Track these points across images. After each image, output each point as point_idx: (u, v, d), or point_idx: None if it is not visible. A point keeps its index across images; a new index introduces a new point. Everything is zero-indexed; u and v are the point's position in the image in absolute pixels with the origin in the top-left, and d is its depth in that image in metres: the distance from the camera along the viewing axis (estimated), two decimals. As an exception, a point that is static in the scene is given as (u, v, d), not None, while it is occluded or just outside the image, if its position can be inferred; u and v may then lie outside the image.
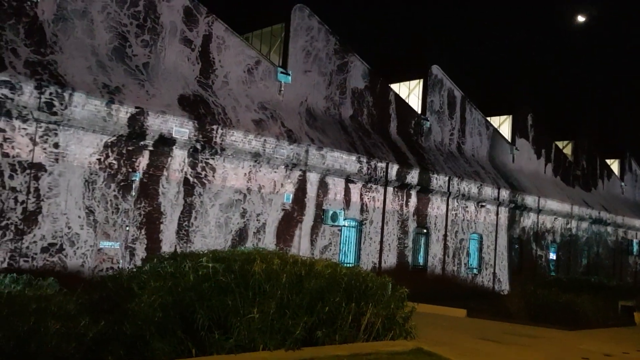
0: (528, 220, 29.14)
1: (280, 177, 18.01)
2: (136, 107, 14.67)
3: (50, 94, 13.21)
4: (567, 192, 33.69)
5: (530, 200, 28.99)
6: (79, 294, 8.77)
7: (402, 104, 23.91)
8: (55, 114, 13.23)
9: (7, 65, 12.76)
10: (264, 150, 17.45)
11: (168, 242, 15.31)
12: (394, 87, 25.16)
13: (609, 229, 36.42)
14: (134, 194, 14.60)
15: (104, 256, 14.04)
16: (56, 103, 13.27)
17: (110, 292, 9.01)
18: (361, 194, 20.58)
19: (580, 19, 33.76)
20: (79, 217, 13.66)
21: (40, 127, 13.08)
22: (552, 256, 31.25)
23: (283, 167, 18.01)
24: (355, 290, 9.54)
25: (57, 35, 14.04)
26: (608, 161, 40.30)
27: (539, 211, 29.66)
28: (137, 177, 14.58)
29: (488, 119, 29.17)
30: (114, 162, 14.29)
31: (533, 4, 70.38)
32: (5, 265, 12.31)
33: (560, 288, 18.68)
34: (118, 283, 9.30)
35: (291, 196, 18.29)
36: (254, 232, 17.22)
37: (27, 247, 12.80)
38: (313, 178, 18.92)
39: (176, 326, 8.21)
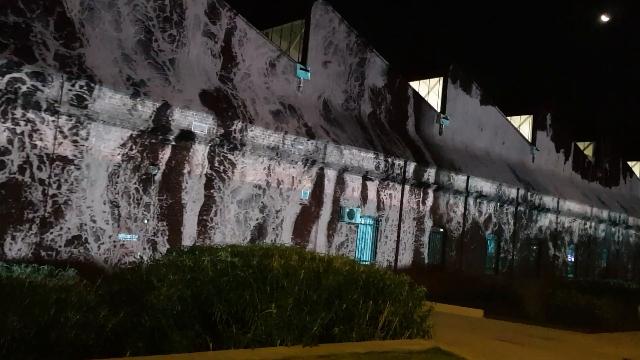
0: (546, 221, 28.81)
1: (298, 173, 18.00)
2: (160, 101, 14.75)
3: (80, 86, 13.35)
4: (586, 193, 33.22)
5: (548, 200, 28.65)
6: (99, 286, 8.85)
7: (420, 101, 23.76)
8: (83, 107, 13.38)
9: (37, 57, 12.92)
10: (283, 145, 17.45)
11: (188, 235, 15.40)
12: (414, 84, 25.00)
13: (629, 231, 35.87)
14: (154, 187, 14.71)
15: (125, 249, 14.17)
16: (84, 96, 13.40)
17: (129, 284, 9.07)
18: (378, 192, 20.50)
19: (604, 18, 33.17)
20: (102, 210, 13.80)
21: (69, 119, 13.24)
22: (570, 257, 30.88)
23: (301, 163, 18.00)
24: (373, 288, 9.50)
25: (85, 28, 14.17)
26: (630, 163, 39.69)
27: (557, 212, 29.31)
28: (156, 171, 14.67)
29: (508, 118, 28.86)
30: (137, 155, 14.40)
31: (556, 4, 69.45)
32: (28, 255, 12.48)
33: (579, 290, 18.45)
34: (137, 275, 9.37)
35: (308, 192, 18.28)
36: (272, 228, 17.25)
37: (52, 240, 12.96)
38: (330, 174, 18.89)
39: (194, 319, 8.24)
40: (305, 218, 18.20)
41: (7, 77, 12.23)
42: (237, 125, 16.39)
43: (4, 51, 12.36)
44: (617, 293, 19.51)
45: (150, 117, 14.55)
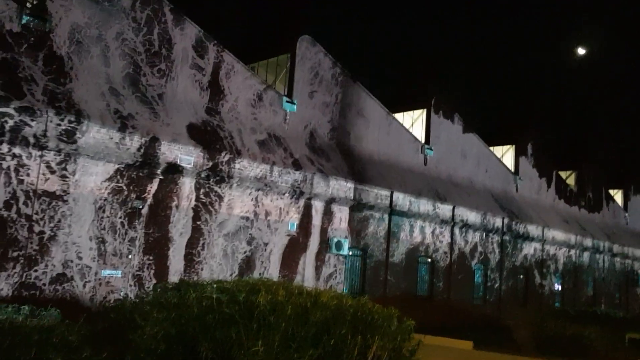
0: (532, 250, 28.94)
1: (286, 204, 17.96)
2: (147, 135, 14.72)
3: (70, 121, 13.30)
4: (570, 221, 33.51)
5: (533, 229, 28.83)
6: (82, 325, 8.66)
7: (404, 133, 24.00)
8: (71, 142, 13.30)
9: (26, 92, 12.88)
10: (270, 176, 17.44)
11: (175, 270, 15.19)
12: (398, 116, 25.30)
13: (614, 259, 36.12)
14: (140, 221, 14.55)
15: (109, 286, 13.92)
16: (72, 131, 13.34)
17: (113, 323, 8.89)
18: (366, 223, 20.49)
19: (581, 51, 34.07)
20: (88, 246, 13.59)
21: (57, 154, 13.13)
22: (557, 286, 30.95)
23: (288, 194, 17.98)
24: (361, 322, 9.38)
25: (73, 62, 14.20)
26: (612, 191, 40.22)
27: (543, 240, 29.47)
28: (142, 205, 14.54)
29: (491, 148, 29.24)
30: (124, 189, 14.28)
31: (536, 36, 71.23)
32: (9, 294, 12.20)
33: (567, 319, 18.46)
34: (121, 313, 9.18)
35: (296, 224, 18.22)
36: (260, 261, 17.10)
37: (36, 277, 12.69)
38: (318, 205, 18.87)
39: (179, 358, 8.07)
40: (293, 250, 18.09)
41: (-7, 112, 12.17)
42: (224, 157, 16.38)
43: (-11, 87, 12.32)
44: (604, 322, 19.56)
45: (137, 151, 14.49)
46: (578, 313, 21.20)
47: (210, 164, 16.04)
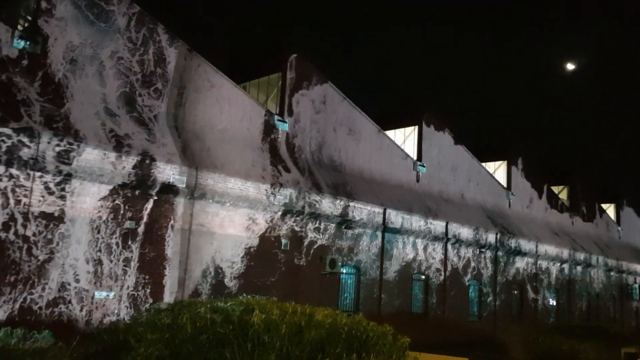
0: (525, 265, 28.98)
1: (278, 223, 17.95)
2: (141, 156, 14.74)
3: (69, 142, 13.35)
4: (563, 236, 33.65)
5: (526, 244, 28.92)
6: (74, 347, 8.58)
7: (395, 150, 24.15)
8: (67, 162, 13.31)
9: (23, 113, 12.92)
10: (261, 195, 17.46)
11: (169, 290, 15.11)
12: (390, 133, 25.47)
13: (608, 273, 36.21)
14: (133, 242, 14.50)
15: (103, 307, 13.81)
16: (69, 152, 13.35)
17: (106, 345, 8.82)
18: (359, 241, 20.50)
19: (570, 66, 34.54)
20: (83, 268, 13.51)
21: (56, 175, 13.13)
22: (552, 301, 30.95)
23: (280, 213, 17.99)
24: (356, 341, 9.35)
25: (69, 83, 14.26)
26: (604, 205, 40.46)
27: (536, 255, 29.55)
28: (135, 226, 14.49)
29: (484, 164, 29.43)
30: (119, 210, 14.25)
31: (526, 53, 72.18)
32: (3, 318, 12.09)
33: (562, 335, 18.41)
34: (115, 335, 9.12)
35: (289, 243, 18.20)
36: (253, 279, 17.03)
37: (31, 300, 12.59)
38: (310, 224, 18.87)
39: (173, 380, 8.01)
40: (286, 268, 18.04)
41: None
42: (216, 178, 16.40)
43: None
44: (600, 336, 19.51)
45: (132, 171, 14.50)
46: (573, 328, 21.15)
47: (200, 183, 16.05)
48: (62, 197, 13.31)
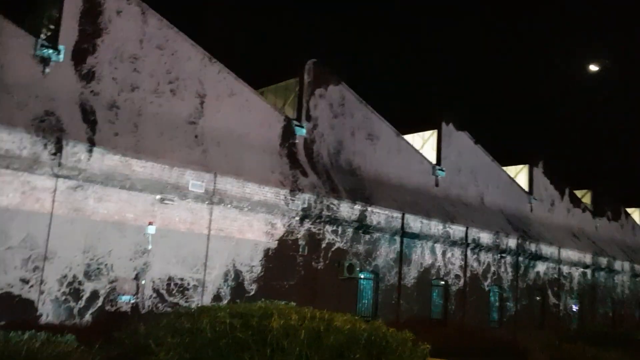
0: (547, 270, 28.57)
1: (297, 227, 17.96)
2: (156, 162, 14.92)
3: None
4: (587, 241, 33.10)
5: (549, 249, 28.51)
6: (97, 351, 8.68)
7: (414, 154, 24.02)
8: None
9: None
10: (279, 200, 17.50)
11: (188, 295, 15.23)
12: (408, 137, 25.34)
13: (634, 278, 35.51)
14: (150, 247, 14.64)
15: (120, 310, 13.96)
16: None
17: (127, 349, 8.90)
18: (377, 246, 20.41)
19: (593, 68, 34.04)
20: (100, 270, 13.69)
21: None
22: (575, 307, 30.45)
23: (298, 217, 18.00)
24: (375, 347, 9.31)
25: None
26: (629, 210, 39.73)
27: (559, 261, 29.11)
28: (151, 231, 14.60)
29: (505, 168, 29.12)
30: (134, 215, 14.43)
31: (547, 54, 71.38)
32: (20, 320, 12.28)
33: (585, 342, 18.08)
34: (135, 339, 9.20)
35: (307, 247, 18.20)
36: (272, 282, 17.07)
37: (44, 302, 12.80)
38: (328, 228, 18.85)
39: (193, 384, 8.04)
40: (305, 273, 18.03)
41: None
42: (234, 183, 16.49)
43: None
44: (625, 344, 19.10)
45: (148, 177, 14.69)
46: (596, 335, 20.76)
47: (218, 188, 16.17)
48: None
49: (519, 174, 31.47)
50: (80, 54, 14.64)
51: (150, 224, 14.59)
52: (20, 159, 12.64)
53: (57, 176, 13.21)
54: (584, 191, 36.96)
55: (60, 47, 14.21)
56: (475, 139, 26.81)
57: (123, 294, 13.97)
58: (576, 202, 33.72)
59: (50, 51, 14.03)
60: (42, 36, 14.72)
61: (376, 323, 10.30)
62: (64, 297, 13.13)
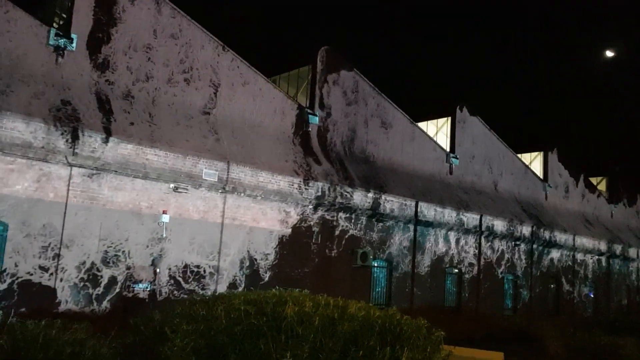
0: (562, 257, 28.37)
1: (310, 215, 17.98)
2: (169, 151, 14.97)
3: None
4: (602, 228, 32.79)
5: (563, 236, 28.29)
6: (113, 338, 8.77)
7: (428, 142, 23.86)
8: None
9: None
10: (293, 189, 17.51)
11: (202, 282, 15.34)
12: (422, 125, 25.19)
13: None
14: (164, 235, 14.74)
15: (138, 297, 14.10)
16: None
17: (143, 336, 8.97)
18: (391, 234, 20.38)
19: (609, 53, 33.50)
20: (112, 258, 13.83)
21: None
22: (590, 294, 30.24)
23: (312, 206, 18.01)
24: (390, 334, 9.28)
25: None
26: (644, 196, 39.24)
27: (574, 248, 28.89)
28: (166, 220, 14.69)
29: (519, 155, 28.86)
30: (149, 204, 14.52)
31: (562, 41, 70.37)
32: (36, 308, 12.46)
33: (601, 329, 17.98)
34: (151, 326, 9.27)
35: (320, 235, 18.21)
36: (286, 269, 17.13)
37: (62, 289, 12.96)
38: (341, 216, 18.85)
39: (209, 370, 8.10)
40: (319, 260, 18.07)
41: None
42: (247, 172, 16.52)
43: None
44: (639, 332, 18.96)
45: (162, 167, 14.75)
46: (612, 322, 20.63)
47: (232, 177, 16.20)
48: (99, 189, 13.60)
49: (534, 161, 31.19)
50: (95, 43, 14.69)
51: (164, 212, 14.67)
52: (36, 149, 12.74)
53: (73, 165, 13.30)
54: (600, 178, 36.57)
55: (73, 35, 14.25)
56: (489, 126, 26.58)
57: (140, 282, 14.09)
58: (591, 188, 33.37)
59: (63, 40, 14.08)
60: (55, 25, 14.77)
61: (390, 310, 10.28)
62: (82, 284, 13.28)
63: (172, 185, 14.98)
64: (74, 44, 14.24)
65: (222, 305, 9.35)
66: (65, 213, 13.13)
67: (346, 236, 18.94)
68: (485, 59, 68.26)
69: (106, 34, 14.92)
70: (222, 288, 15.55)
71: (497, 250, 24.68)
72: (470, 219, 23.42)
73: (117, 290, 13.82)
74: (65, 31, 14.32)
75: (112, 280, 13.77)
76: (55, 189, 13.05)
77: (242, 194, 16.32)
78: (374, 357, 8.87)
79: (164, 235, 14.71)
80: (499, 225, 24.67)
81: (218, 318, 8.88)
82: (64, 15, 15.47)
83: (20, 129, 12.61)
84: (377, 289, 20.04)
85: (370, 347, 8.85)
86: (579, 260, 29.47)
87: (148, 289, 14.29)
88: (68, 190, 13.22)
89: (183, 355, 8.07)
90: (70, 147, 13.23)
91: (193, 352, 8.17)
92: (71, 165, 13.29)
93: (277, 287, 14.44)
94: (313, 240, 18.01)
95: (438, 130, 26.65)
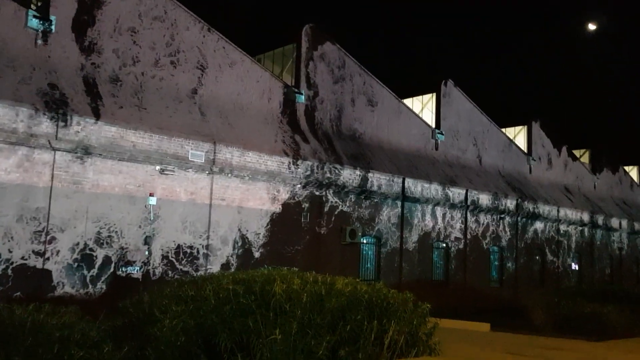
0: (546, 230, 28.78)
1: (299, 195, 18.03)
2: (154, 132, 14.86)
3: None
4: (585, 200, 33.25)
5: (547, 209, 28.66)
6: (102, 321, 8.82)
7: (413, 119, 23.91)
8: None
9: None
10: (281, 168, 17.51)
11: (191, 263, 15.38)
12: (407, 101, 25.20)
13: (633, 236, 35.80)
14: (152, 217, 14.72)
15: (125, 280, 14.13)
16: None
17: (132, 318, 9.04)
18: (379, 210, 20.52)
19: (591, 26, 33.60)
20: (102, 241, 13.80)
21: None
22: (574, 266, 30.78)
23: (300, 185, 18.04)
24: (377, 308, 9.45)
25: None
26: (627, 168, 39.78)
27: (557, 220, 29.30)
28: (152, 202, 14.65)
29: (503, 130, 29.03)
30: (135, 187, 14.46)
31: (545, 14, 70.29)
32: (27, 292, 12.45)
33: (584, 298, 18.33)
34: (140, 308, 9.33)
35: (309, 214, 18.29)
36: (278, 248, 17.23)
37: (51, 272, 12.94)
38: (330, 195, 18.92)
39: (199, 350, 8.20)
40: (308, 239, 18.18)
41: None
42: (234, 153, 16.47)
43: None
44: (623, 300, 19.37)
45: (151, 149, 14.66)
46: (595, 291, 21.02)
47: (218, 159, 16.16)
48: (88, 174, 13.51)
49: (518, 135, 31.41)
50: (79, 26, 14.45)
51: (150, 195, 14.63)
52: (22, 134, 12.58)
53: (57, 149, 13.17)
54: (583, 150, 36.96)
55: (52, 17, 13.99)
56: (474, 101, 26.66)
57: (131, 264, 14.11)
58: (574, 160, 33.74)
59: (42, 22, 13.81)
60: (33, 7, 14.48)
61: (377, 285, 10.43)
62: (76, 265, 13.27)
63: (158, 167, 14.91)
64: (52, 26, 13.99)
65: (210, 286, 9.44)
66: (50, 197, 13.05)
67: (335, 213, 19.04)
68: (469, 35, 68.08)
69: (91, 16, 14.68)
70: (215, 268, 15.62)
71: (483, 224, 24.98)
72: (456, 194, 23.63)
73: (111, 270, 13.82)
74: (43, 13, 14.04)
75: (106, 260, 13.75)
76: (41, 174, 12.94)
77: (230, 175, 16.30)
78: (362, 331, 9.03)
79: (152, 218, 14.69)
80: (484, 199, 24.93)
81: (207, 298, 8.97)
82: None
83: (6, 113, 12.45)
84: (366, 266, 20.25)
85: (357, 322, 9.00)
86: (562, 232, 29.93)
87: (141, 271, 14.31)
88: (52, 174, 13.11)
89: (173, 335, 8.16)
90: (60, 131, 13.08)
91: (183, 332, 8.26)
92: (57, 150, 13.16)
93: (266, 266, 14.59)
94: (303, 219, 18.08)
95: (423, 106, 26.69)
